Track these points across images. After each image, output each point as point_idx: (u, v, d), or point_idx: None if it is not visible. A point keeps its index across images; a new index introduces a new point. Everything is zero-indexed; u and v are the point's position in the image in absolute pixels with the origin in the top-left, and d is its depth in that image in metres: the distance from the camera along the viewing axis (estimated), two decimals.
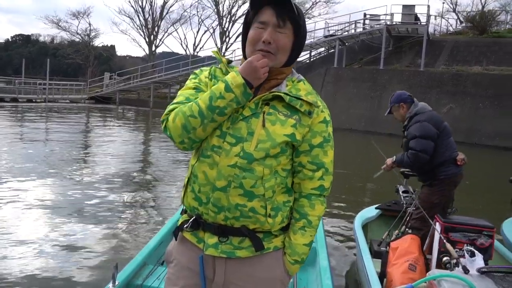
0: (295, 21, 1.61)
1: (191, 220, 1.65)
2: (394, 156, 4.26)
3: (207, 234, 1.63)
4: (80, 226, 5.35)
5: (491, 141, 18.24)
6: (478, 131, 18.98)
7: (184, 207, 1.73)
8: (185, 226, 1.66)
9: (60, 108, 28.14)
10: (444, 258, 3.09)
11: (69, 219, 5.56)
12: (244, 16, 1.72)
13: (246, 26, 1.68)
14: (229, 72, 1.66)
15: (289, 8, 1.58)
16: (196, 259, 1.64)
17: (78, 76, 48.29)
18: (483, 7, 37.29)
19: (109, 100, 35.82)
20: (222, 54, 42.70)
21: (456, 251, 3.42)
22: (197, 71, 1.78)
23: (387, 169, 4.39)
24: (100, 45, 53.49)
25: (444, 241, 3.16)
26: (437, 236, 3.61)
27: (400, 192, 5.29)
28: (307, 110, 1.60)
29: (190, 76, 1.78)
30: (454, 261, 3.08)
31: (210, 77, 1.72)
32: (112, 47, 59.15)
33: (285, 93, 1.59)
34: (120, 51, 75.45)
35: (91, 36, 49.96)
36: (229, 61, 1.76)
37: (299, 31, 1.64)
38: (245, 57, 1.68)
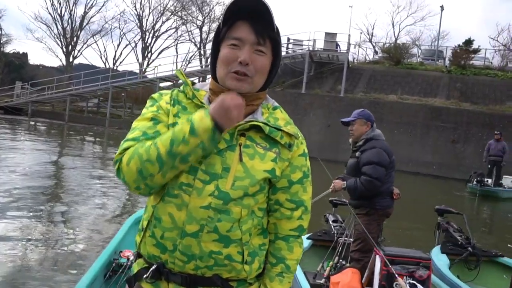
0: (274, 39, 1.42)
1: (152, 268, 1.38)
2: (344, 182, 4.15)
3: (172, 285, 1.38)
4: None
5: (405, 167, 19.18)
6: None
7: (138, 252, 1.46)
8: (144, 276, 1.39)
9: None
10: None
11: None
12: (211, 34, 1.48)
13: (216, 44, 1.44)
14: (196, 97, 1.42)
15: (268, 23, 1.38)
16: None
17: None
18: (396, 40, 39.86)
19: (20, 111, 33.47)
20: (144, 69, 41.88)
21: (396, 284, 3.40)
22: (155, 95, 1.51)
23: (334, 191, 4.28)
24: (12, 51, 50.34)
25: (396, 276, 3.10)
26: (377, 269, 3.57)
27: (330, 222, 5.24)
28: (287, 143, 1.43)
29: (148, 102, 1.50)
30: None
31: (171, 102, 1.45)
32: (25, 54, 55.50)
33: (264, 123, 1.39)
34: (32, 60, 70.97)
35: (2, 42, 46.96)
36: (193, 83, 1.51)
37: (278, 51, 1.45)
38: (214, 78, 1.45)
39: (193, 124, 1.28)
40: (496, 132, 15.26)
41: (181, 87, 1.48)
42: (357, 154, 4.12)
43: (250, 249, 1.40)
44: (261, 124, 1.38)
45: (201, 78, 29.45)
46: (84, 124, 30.23)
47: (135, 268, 1.47)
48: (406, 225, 8.39)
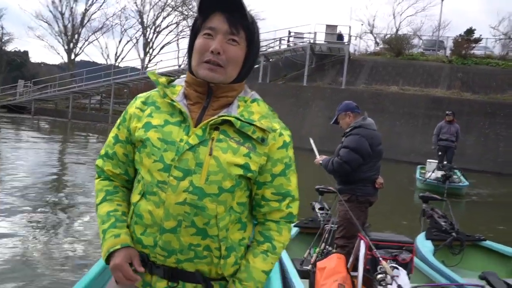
0: (249, 30, 1.43)
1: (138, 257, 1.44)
2: (323, 157, 4.30)
3: (155, 277, 1.42)
4: None
5: (407, 157, 19.22)
6: (395, 147, 19.88)
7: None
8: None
9: None
10: (379, 276, 3.10)
11: None
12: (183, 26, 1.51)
13: (193, 35, 1.45)
14: (166, 95, 1.44)
15: (242, 14, 1.39)
16: None
17: None
18: (397, 30, 39.66)
19: (23, 109, 33.67)
20: (146, 65, 41.88)
21: (380, 267, 3.47)
22: (133, 100, 1.55)
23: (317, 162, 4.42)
24: (13, 50, 50.41)
25: (381, 259, 3.18)
26: (362, 253, 3.63)
27: (316, 209, 5.29)
28: (260, 137, 1.41)
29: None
30: (388, 278, 3.11)
31: (145, 103, 1.49)
32: (25, 52, 55.42)
33: (236, 118, 1.39)
34: (34, 58, 70.65)
35: (3, 40, 47.11)
36: (171, 80, 1.53)
37: (253, 42, 1.45)
38: (190, 70, 1.46)
39: (102, 245, 1.44)
40: (447, 112, 12.33)
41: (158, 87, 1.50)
42: (343, 139, 4.22)
43: (228, 244, 1.42)
44: (232, 119, 1.38)
45: None
46: (87, 121, 30.34)
47: None
48: (396, 215, 8.42)
